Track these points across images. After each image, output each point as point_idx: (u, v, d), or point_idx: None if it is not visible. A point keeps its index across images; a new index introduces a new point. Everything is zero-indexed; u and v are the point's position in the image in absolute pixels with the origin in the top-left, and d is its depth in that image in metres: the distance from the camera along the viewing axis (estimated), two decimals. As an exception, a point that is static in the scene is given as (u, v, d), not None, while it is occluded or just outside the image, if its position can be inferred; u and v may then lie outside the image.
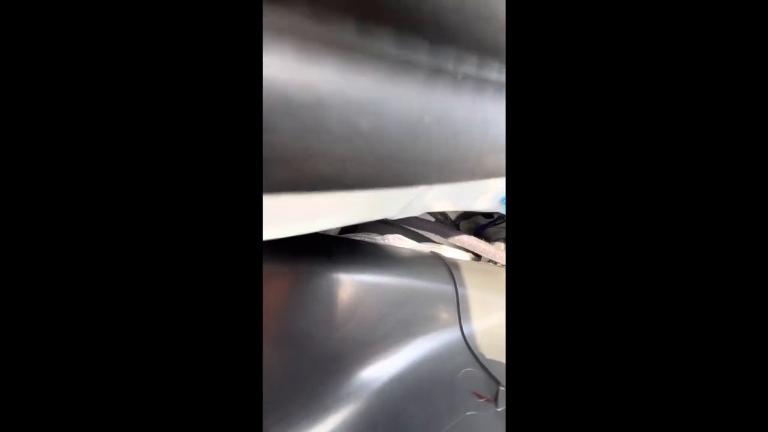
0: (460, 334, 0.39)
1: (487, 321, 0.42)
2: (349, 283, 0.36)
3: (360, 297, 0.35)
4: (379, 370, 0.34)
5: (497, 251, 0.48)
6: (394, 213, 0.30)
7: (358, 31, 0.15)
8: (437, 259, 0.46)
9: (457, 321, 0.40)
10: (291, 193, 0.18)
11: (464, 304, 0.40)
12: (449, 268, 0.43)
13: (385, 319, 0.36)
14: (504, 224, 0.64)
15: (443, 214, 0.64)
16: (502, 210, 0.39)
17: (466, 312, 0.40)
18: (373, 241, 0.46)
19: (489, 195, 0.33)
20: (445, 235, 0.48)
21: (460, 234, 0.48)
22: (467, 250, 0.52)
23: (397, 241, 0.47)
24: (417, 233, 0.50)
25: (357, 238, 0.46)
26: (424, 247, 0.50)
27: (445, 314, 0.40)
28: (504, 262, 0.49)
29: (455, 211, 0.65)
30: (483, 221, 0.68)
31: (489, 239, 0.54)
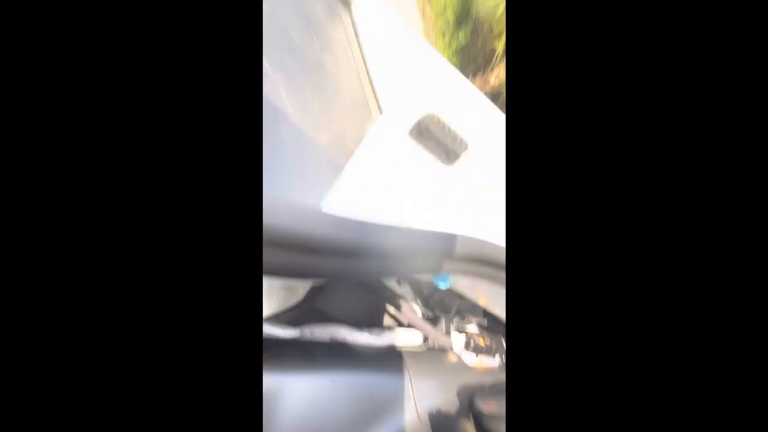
0: (416, 419, 0.42)
1: (439, 401, 0.46)
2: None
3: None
4: None
5: (445, 338, 0.55)
6: None
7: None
8: (391, 351, 0.50)
9: (414, 407, 0.43)
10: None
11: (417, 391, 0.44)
12: (403, 358, 0.47)
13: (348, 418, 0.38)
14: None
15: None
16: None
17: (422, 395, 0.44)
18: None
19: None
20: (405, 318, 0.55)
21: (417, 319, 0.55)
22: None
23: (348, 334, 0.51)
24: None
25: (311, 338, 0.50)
26: (379, 340, 0.55)
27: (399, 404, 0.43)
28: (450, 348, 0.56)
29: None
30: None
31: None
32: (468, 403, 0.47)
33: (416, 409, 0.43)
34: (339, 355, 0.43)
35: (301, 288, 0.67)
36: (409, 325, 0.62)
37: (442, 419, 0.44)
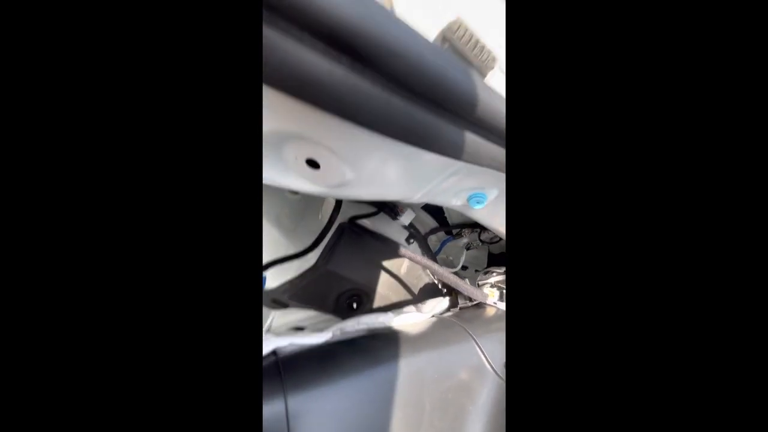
0: (499, 379, 0.42)
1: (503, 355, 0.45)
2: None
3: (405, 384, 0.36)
4: None
5: (477, 291, 0.56)
6: (419, 193, 0.36)
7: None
8: (449, 321, 0.49)
9: (491, 370, 0.42)
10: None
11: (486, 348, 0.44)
12: (463, 327, 0.47)
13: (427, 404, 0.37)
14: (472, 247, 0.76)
15: (416, 229, 0.73)
16: (471, 210, 0.49)
17: (493, 357, 0.43)
18: (379, 325, 0.48)
19: (464, 193, 0.43)
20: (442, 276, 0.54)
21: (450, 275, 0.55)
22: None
23: (401, 318, 0.51)
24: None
25: (368, 326, 0.49)
26: (423, 316, 0.55)
27: (478, 371, 0.42)
28: (485, 301, 0.57)
29: (424, 227, 0.75)
30: (444, 237, 0.79)
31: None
32: None
33: (492, 367, 0.43)
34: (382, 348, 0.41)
35: (311, 256, 0.65)
36: (445, 287, 0.60)
37: None
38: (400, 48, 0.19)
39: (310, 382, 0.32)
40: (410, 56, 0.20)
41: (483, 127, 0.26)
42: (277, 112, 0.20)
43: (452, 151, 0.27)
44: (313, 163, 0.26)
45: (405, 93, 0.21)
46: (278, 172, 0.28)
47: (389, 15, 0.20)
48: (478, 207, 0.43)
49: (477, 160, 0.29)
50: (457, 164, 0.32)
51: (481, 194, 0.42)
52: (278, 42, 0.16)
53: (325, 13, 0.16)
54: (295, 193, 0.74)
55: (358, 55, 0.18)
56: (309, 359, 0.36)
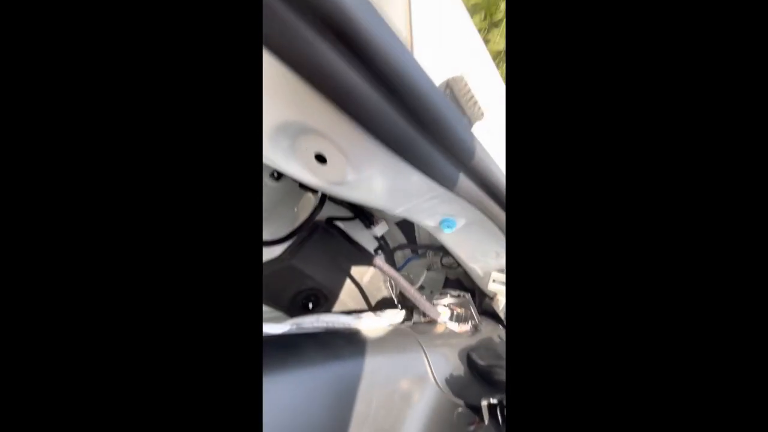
0: (438, 389, 0.45)
1: (450, 367, 0.50)
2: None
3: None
4: None
5: (432, 308, 0.61)
6: (401, 207, 0.40)
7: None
8: (405, 331, 0.53)
9: (433, 380, 0.46)
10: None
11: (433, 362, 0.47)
12: (416, 337, 0.50)
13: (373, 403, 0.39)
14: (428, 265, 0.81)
15: (386, 241, 0.77)
16: (440, 233, 0.54)
17: (436, 368, 0.47)
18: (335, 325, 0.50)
19: (438, 216, 0.49)
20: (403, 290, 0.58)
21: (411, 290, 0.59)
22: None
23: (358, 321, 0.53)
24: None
25: (324, 324, 0.50)
26: (380, 322, 0.58)
27: (421, 379, 0.45)
28: (437, 319, 0.61)
29: (393, 242, 0.79)
30: (410, 255, 0.85)
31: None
32: (467, 362, 0.52)
33: (435, 379, 0.46)
34: (333, 345, 0.43)
35: (278, 248, 0.65)
36: (400, 303, 0.64)
37: (456, 382, 0.48)
38: (418, 84, 0.24)
39: (267, 368, 0.33)
40: (423, 92, 0.25)
41: (465, 164, 0.32)
42: (308, 108, 0.23)
43: (440, 177, 0.32)
44: (320, 158, 0.30)
45: (414, 121, 0.26)
46: (284, 157, 0.31)
47: (413, 59, 0.25)
48: (447, 231, 0.49)
49: (456, 191, 0.34)
50: (438, 189, 0.38)
51: (451, 220, 0.48)
52: (329, 57, 0.20)
53: (376, 49, 0.20)
54: (277, 179, 0.74)
55: (389, 85, 0.22)
56: (267, 347, 0.37)
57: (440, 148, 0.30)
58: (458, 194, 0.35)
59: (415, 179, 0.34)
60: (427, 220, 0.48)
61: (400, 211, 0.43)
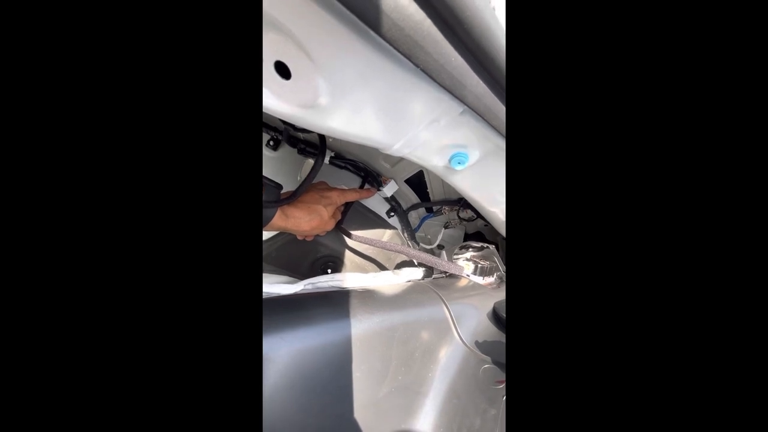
0: (463, 345, 0.43)
1: (474, 321, 0.47)
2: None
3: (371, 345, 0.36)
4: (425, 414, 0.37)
5: (451, 264, 0.57)
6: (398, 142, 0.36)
7: None
8: (424, 286, 0.50)
9: (456, 335, 0.44)
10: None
11: (457, 317, 0.45)
12: (437, 292, 0.48)
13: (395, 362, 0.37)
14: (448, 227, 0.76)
15: (398, 202, 0.73)
16: (453, 176, 0.48)
17: (460, 322, 0.45)
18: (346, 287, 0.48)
19: (447, 151, 0.43)
20: (411, 255, 0.55)
21: (421, 254, 0.55)
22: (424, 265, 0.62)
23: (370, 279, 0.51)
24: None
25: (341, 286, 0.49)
26: (399, 278, 0.55)
27: (444, 334, 0.43)
28: (455, 273, 0.57)
29: (406, 202, 0.75)
30: (425, 214, 0.79)
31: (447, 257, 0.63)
32: (493, 316, 0.49)
33: (458, 334, 0.44)
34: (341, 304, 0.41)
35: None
36: (420, 264, 0.61)
37: (481, 337, 0.46)
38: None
39: (272, 329, 0.31)
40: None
41: (473, 52, 0.25)
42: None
43: (435, 69, 0.25)
44: (282, 70, 0.24)
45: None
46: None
47: None
48: (459, 167, 0.43)
49: (460, 91, 0.28)
50: (439, 106, 0.32)
51: (462, 154, 0.42)
52: None
53: None
54: (275, 148, 0.71)
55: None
56: (273, 307, 0.35)
57: (440, 24, 0.22)
58: (464, 101, 0.29)
59: (405, 92, 0.28)
60: (434, 158, 0.43)
61: (399, 146, 0.38)
